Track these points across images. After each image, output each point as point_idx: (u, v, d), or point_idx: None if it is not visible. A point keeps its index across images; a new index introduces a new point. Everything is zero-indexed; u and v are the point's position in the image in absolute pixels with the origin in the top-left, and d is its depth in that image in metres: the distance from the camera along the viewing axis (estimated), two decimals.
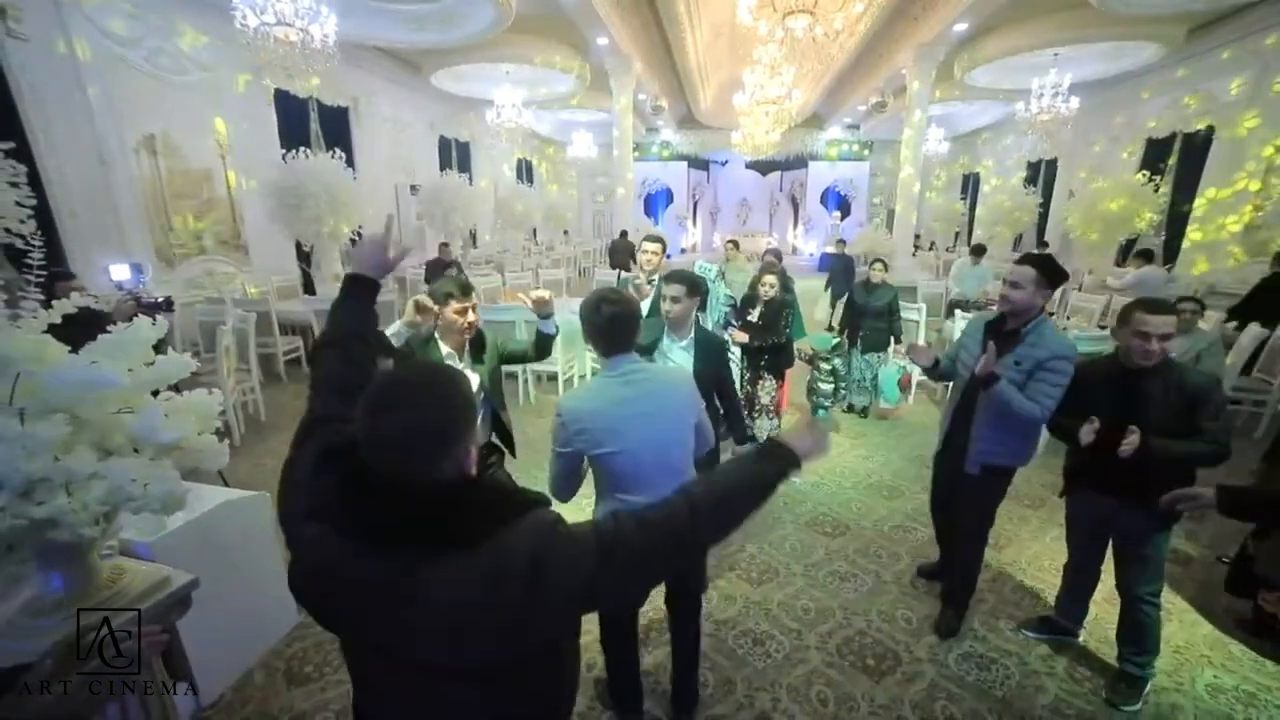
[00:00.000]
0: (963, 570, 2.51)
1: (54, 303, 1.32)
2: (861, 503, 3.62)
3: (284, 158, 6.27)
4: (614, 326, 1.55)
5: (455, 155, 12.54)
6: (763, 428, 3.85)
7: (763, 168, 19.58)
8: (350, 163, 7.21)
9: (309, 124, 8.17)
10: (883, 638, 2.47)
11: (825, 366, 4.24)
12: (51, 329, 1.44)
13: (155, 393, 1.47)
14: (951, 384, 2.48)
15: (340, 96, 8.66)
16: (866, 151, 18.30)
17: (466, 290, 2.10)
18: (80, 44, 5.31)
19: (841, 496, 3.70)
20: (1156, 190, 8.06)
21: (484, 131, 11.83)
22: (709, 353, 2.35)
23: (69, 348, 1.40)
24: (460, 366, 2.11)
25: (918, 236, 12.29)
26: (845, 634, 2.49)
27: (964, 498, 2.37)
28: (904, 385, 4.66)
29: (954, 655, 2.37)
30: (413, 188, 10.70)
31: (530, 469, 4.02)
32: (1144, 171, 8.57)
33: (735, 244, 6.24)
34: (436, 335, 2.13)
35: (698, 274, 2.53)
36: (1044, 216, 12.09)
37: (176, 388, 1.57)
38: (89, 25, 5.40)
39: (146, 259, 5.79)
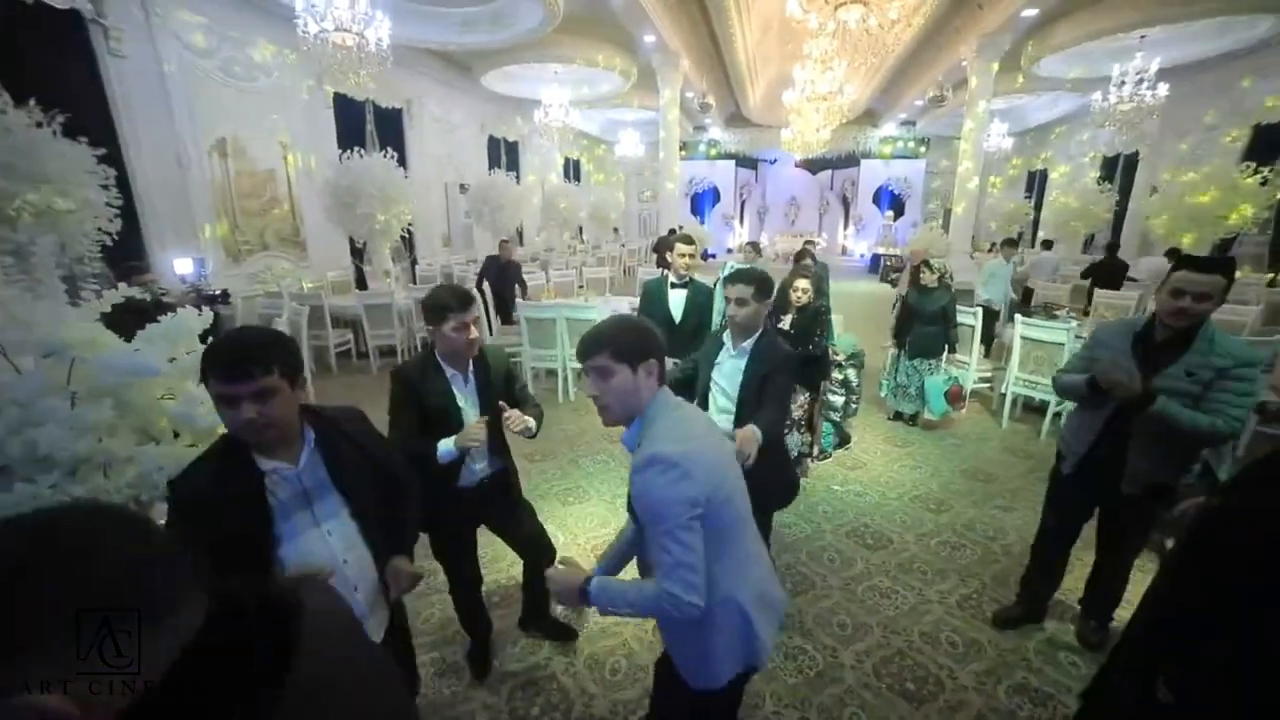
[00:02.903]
0: (1114, 583, 2.32)
1: (103, 293, 1.39)
2: (906, 515, 3.43)
3: (340, 158, 6.55)
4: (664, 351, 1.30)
5: (504, 154, 12.81)
6: (793, 443, 3.64)
7: (813, 166, 19.10)
8: (402, 162, 7.46)
9: (365, 125, 8.51)
10: (925, 660, 2.32)
11: (837, 376, 3.90)
12: (112, 316, 1.54)
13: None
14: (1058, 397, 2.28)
15: (395, 98, 8.99)
16: (923, 149, 17.55)
17: (466, 301, 1.79)
18: (167, 57, 5.73)
19: (885, 508, 3.52)
20: (1265, 183, 7.13)
21: (532, 131, 12.03)
22: (764, 358, 2.08)
23: (125, 335, 1.49)
24: (465, 393, 1.90)
25: (975, 238, 11.69)
26: (883, 654, 2.35)
27: (1122, 522, 2.19)
28: (953, 397, 4.36)
29: (1004, 686, 2.19)
30: (462, 186, 11.00)
31: (573, 473, 4.03)
32: (1249, 163, 7.67)
33: (755, 246, 5.98)
34: (438, 357, 1.86)
35: (765, 271, 2.33)
36: (1119, 215, 11.22)
37: None
38: (174, 40, 5.83)
39: (215, 254, 6.18)
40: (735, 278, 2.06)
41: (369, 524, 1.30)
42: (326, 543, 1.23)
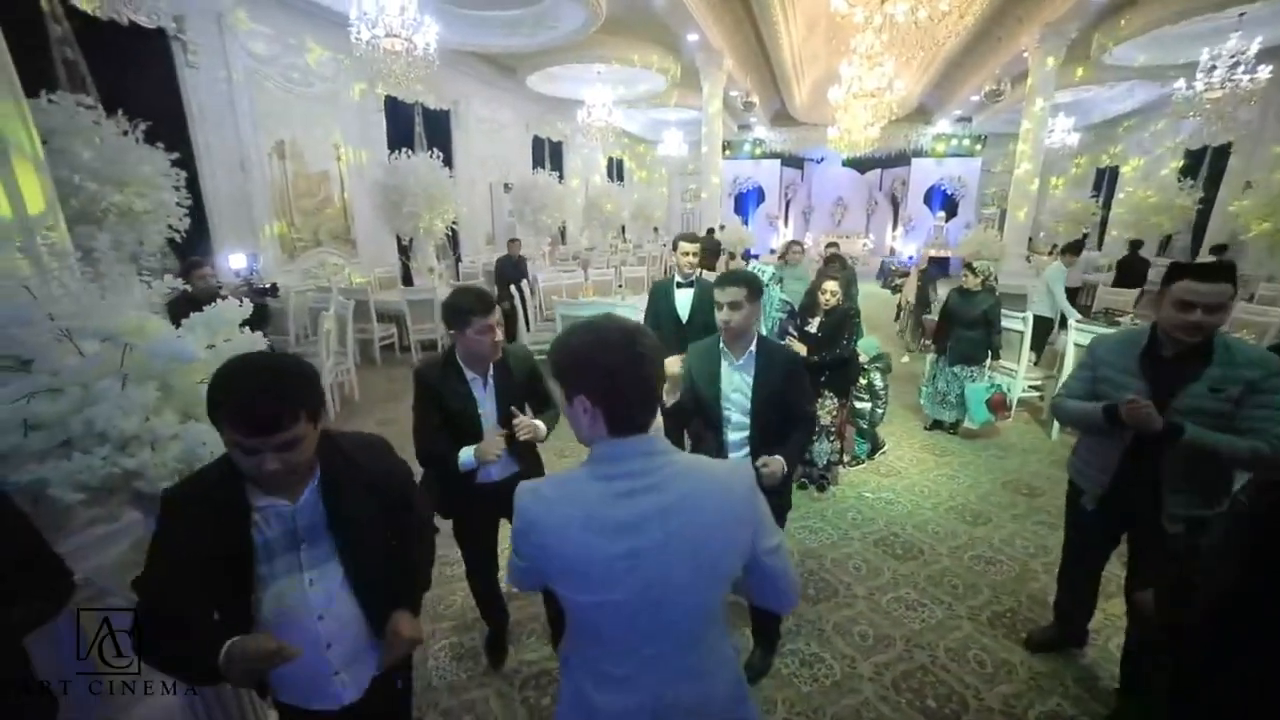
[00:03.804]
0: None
1: (153, 284, 1.51)
2: (940, 526, 3.30)
3: (389, 159, 6.82)
4: (643, 382, 0.90)
5: (548, 154, 13.03)
6: (821, 451, 3.54)
7: (861, 165, 18.54)
8: (448, 162, 7.70)
9: (414, 127, 8.83)
10: (949, 678, 2.22)
11: (861, 381, 3.76)
12: (173, 307, 1.68)
13: None
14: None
15: (443, 100, 9.27)
16: (978, 146, 16.75)
17: (488, 305, 1.78)
18: (234, 67, 6.13)
19: (918, 517, 3.40)
20: None
21: (575, 131, 12.19)
22: (773, 364, 1.93)
23: (176, 323, 1.63)
24: (484, 395, 1.92)
25: (1030, 239, 11.04)
26: (905, 667, 2.27)
27: (1142, 547, 2.00)
28: (995, 405, 4.15)
29: (1035, 712, 2.08)
30: (506, 186, 11.25)
31: None
32: None
33: (800, 246, 5.77)
34: (459, 359, 1.87)
35: (754, 272, 2.16)
36: (1204, 214, 10.33)
37: None
38: (241, 51, 6.22)
39: (272, 251, 6.56)
40: (724, 281, 1.90)
41: (360, 576, 1.16)
42: (305, 593, 1.10)
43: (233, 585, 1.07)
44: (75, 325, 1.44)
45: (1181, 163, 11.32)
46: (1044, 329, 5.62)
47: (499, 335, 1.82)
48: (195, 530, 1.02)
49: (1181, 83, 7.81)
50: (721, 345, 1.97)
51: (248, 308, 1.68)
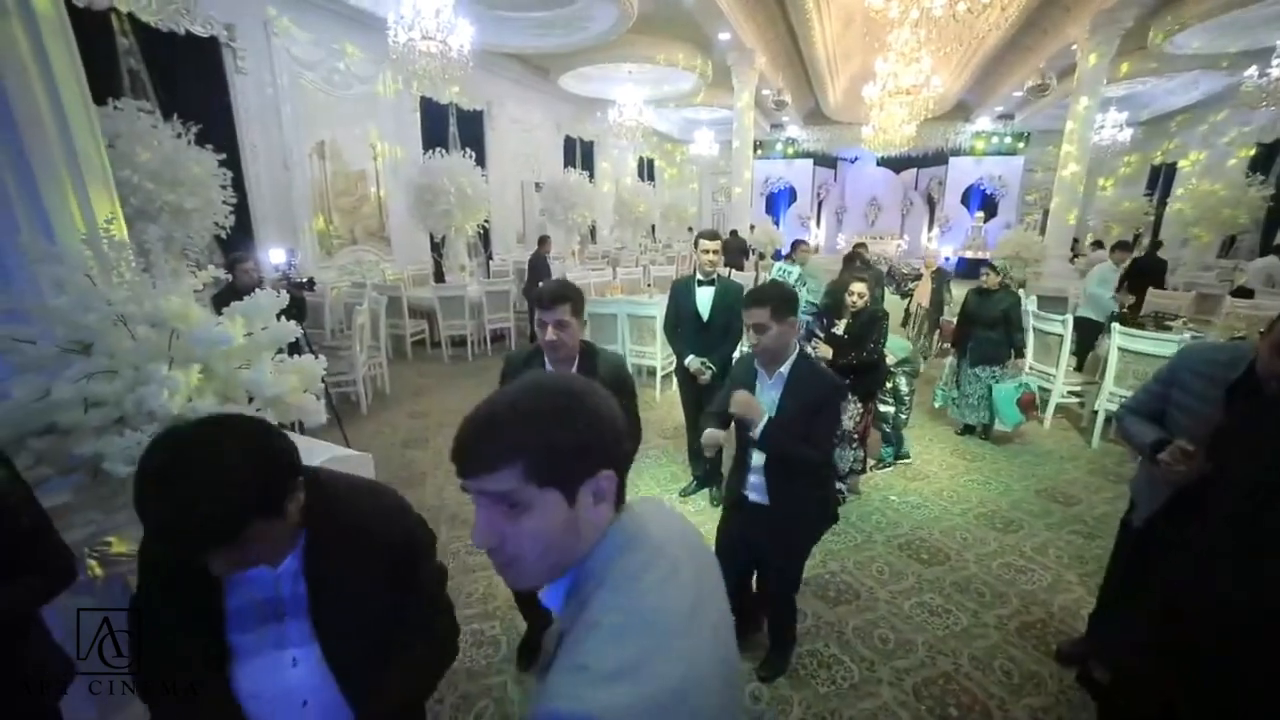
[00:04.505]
0: None
1: (197, 274, 1.60)
2: (968, 532, 3.21)
3: (424, 158, 7.00)
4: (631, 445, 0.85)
5: (580, 153, 13.15)
6: (844, 457, 3.45)
7: (896, 165, 18.14)
8: (481, 162, 7.86)
9: (448, 127, 9.04)
10: (972, 687, 2.17)
11: (886, 385, 3.64)
12: (217, 297, 1.78)
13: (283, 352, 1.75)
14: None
15: (476, 101, 9.46)
16: (1021, 144, 16.15)
17: (551, 300, 1.70)
18: (279, 71, 6.39)
19: (946, 522, 3.31)
20: None
21: (606, 131, 12.28)
22: (800, 390, 1.83)
23: (218, 311, 1.72)
24: None
25: (1076, 241, 10.55)
26: (926, 674, 2.22)
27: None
28: (1026, 405, 4.01)
29: None
30: (537, 185, 11.41)
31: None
32: None
33: (805, 244, 5.63)
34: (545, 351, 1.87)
35: (785, 285, 2.02)
36: (1274, 211, 9.71)
37: (313, 351, 1.83)
38: (285, 55, 6.48)
39: (311, 247, 6.81)
40: (748, 301, 1.83)
41: (342, 660, 0.98)
42: (285, 674, 0.95)
43: (205, 654, 0.93)
44: (129, 311, 1.54)
45: (1252, 151, 10.66)
46: (1091, 332, 5.38)
47: (551, 335, 1.73)
48: (170, 586, 0.91)
49: (1253, 70, 7.35)
50: (756, 361, 1.93)
51: (284, 298, 1.76)
